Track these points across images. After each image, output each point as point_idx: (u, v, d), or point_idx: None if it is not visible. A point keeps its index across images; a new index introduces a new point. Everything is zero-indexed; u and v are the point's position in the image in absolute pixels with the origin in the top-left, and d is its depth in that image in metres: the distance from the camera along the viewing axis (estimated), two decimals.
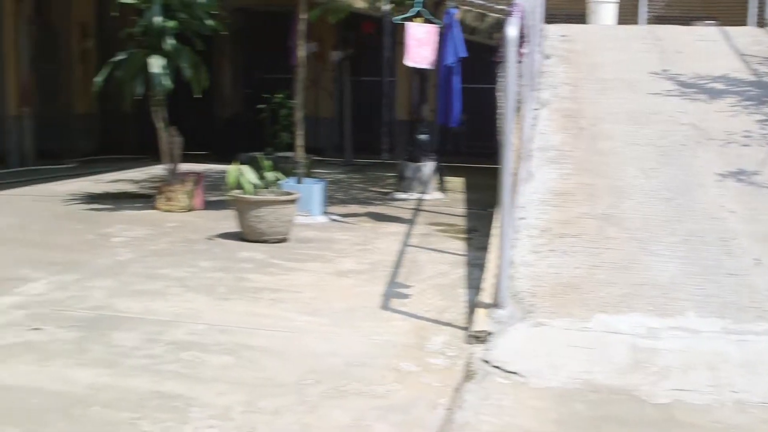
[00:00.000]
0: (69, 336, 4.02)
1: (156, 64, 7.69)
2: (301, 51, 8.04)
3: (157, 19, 7.68)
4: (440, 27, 9.34)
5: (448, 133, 12.52)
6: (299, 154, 7.91)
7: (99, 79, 7.93)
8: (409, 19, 9.34)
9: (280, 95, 10.06)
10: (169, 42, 7.76)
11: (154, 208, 8.05)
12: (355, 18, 11.74)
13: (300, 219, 6.99)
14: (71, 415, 3.06)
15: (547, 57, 8.84)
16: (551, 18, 10.07)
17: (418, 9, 9.29)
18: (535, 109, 7.38)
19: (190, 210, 7.95)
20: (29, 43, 12.77)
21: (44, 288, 4.96)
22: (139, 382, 3.42)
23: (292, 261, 5.84)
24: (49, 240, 6.56)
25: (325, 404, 3.26)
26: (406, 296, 4.95)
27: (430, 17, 9.37)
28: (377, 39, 12.63)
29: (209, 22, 8.02)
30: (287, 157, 8.42)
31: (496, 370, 3.70)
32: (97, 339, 3.98)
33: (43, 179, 10.73)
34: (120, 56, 7.95)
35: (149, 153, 11.77)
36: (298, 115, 8.04)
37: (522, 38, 4.94)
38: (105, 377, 3.47)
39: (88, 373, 3.52)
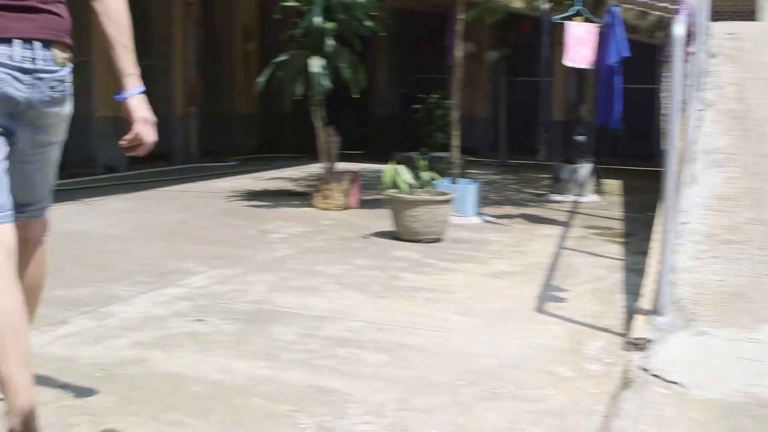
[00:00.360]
0: (230, 328, 4.16)
1: (316, 64, 7.85)
2: (458, 51, 8.04)
3: (318, 21, 7.84)
4: (600, 26, 9.15)
5: (604, 135, 12.25)
6: (454, 154, 7.91)
7: (261, 79, 8.17)
8: (569, 18, 9.19)
9: (436, 95, 10.09)
10: (329, 43, 7.91)
11: (311, 206, 8.23)
12: (512, 17, 11.64)
13: (454, 219, 6.99)
14: (232, 405, 3.16)
15: (713, 56, 8.51)
16: (717, 15, 9.69)
17: (578, 8, 9.12)
18: (700, 110, 7.11)
19: (345, 208, 8.09)
20: (196, 46, 13.28)
21: (207, 281, 5.15)
22: (296, 375, 3.49)
23: (447, 261, 5.85)
24: (211, 235, 6.80)
25: (479, 405, 3.23)
26: (561, 300, 4.87)
27: (590, 16, 9.19)
28: (534, 38, 12.50)
29: (368, 23, 8.13)
30: (442, 157, 8.44)
31: (656, 379, 3.58)
32: (256, 332, 4.10)
33: (206, 176, 11.15)
34: (281, 57, 8.17)
35: (307, 152, 12.06)
36: (454, 115, 8.04)
37: (689, 37, 4.77)
38: (264, 369, 3.56)
39: (248, 365, 3.61)
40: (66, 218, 7.26)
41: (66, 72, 2.68)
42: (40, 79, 2.58)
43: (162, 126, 12.27)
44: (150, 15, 12.72)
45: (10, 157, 2.61)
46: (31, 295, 2.81)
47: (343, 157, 8.78)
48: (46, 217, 2.90)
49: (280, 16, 8.23)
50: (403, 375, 3.53)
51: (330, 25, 7.89)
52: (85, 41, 11.32)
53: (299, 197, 9.05)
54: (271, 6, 9.63)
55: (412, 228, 6.43)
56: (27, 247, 2.79)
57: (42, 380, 3.35)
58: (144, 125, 2.92)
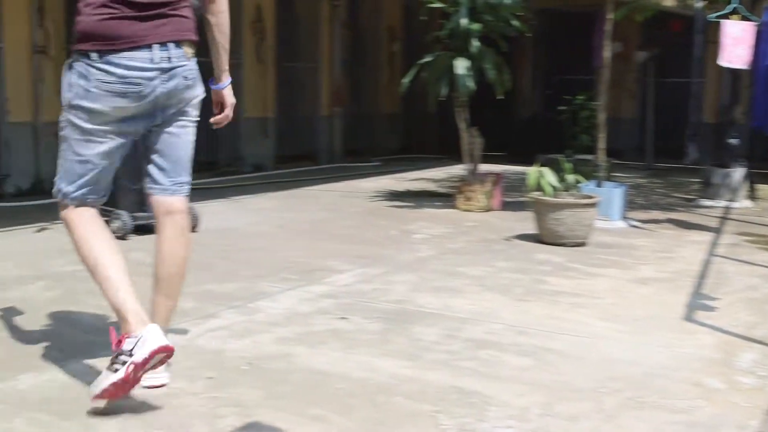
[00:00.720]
0: (373, 327, 4.20)
1: (461, 65, 7.85)
2: (606, 51, 7.86)
3: (464, 22, 7.83)
4: (757, 24, 8.78)
5: (758, 138, 11.75)
6: (600, 156, 7.75)
7: (406, 80, 8.22)
8: (725, 16, 8.85)
9: (582, 96, 9.92)
10: (474, 44, 7.89)
11: (453, 207, 8.23)
12: (661, 16, 11.31)
13: (599, 223, 6.85)
14: (375, 403, 3.19)
15: None
16: None
17: (735, 5, 8.77)
18: None
19: (488, 210, 8.05)
20: (342, 47, 13.47)
21: (351, 279, 5.22)
22: (438, 376, 3.50)
23: (591, 266, 5.74)
24: (355, 234, 6.90)
25: (623, 414, 3.16)
26: (711, 308, 4.69)
27: (748, 14, 8.83)
28: (685, 38, 12.11)
29: (514, 23, 8.07)
30: (587, 160, 8.29)
31: None
32: (399, 331, 4.12)
33: (349, 176, 11.31)
34: (426, 58, 8.20)
35: (449, 153, 12.06)
36: (601, 117, 7.87)
37: None
38: (406, 369, 3.58)
39: (391, 364, 3.64)
40: (216, 215, 7.51)
41: (194, 63, 3.21)
42: (176, 73, 3.11)
43: (308, 126, 12.61)
44: (298, 17, 13.00)
45: (153, 141, 3.22)
46: (179, 268, 3.28)
47: (486, 159, 8.74)
48: (186, 195, 3.33)
49: (425, 17, 8.26)
50: (546, 379, 3.48)
51: (475, 26, 7.87)
52: (236, 44, 11.67)
53: (441, 198, 9.06)
54: (415, 7, 9.68)
55: (556, 231, 6.34)
56: (169, 220, 3.26)
57: (192, 371, 3.48)
58: (231, 109, 3.58)
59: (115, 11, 2.99)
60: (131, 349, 2.92)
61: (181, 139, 3.28)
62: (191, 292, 4.78)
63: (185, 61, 3.14)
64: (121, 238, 6.15)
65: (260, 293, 4.83)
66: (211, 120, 3.50)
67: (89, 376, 3.39)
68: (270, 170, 11.98)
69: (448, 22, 8.05)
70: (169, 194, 3.25)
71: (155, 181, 3.26)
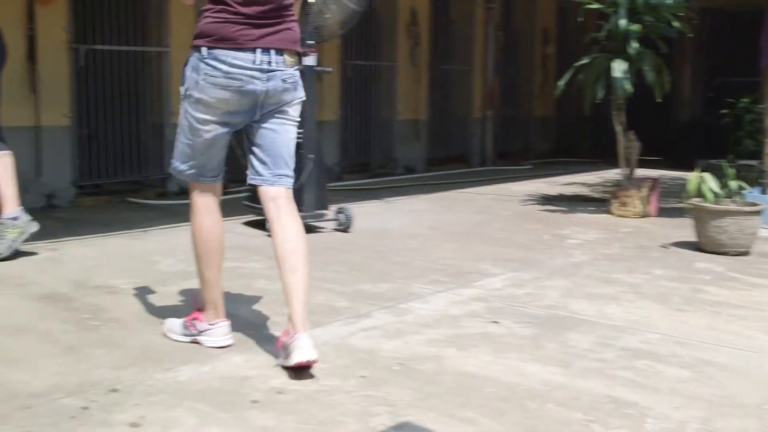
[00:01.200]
0: (524, 332, 4.16)
1: (618, 68, 7.66)
2: None
3: (622, 23, 7.65)
4: None
5: None
6: (765, 162, 7.41)
7: (561, 83, 8.10)
8: None
9: (746, 99, 9.52)
10: (633, 45, 7.69)
11: (607, 212, 8.06)
12: None
13: (763, 232, 6.55)
14: (526, 408, 3.15)
15: None
16: None
17: None
18: None
19: (644, 216, 7.84)
20: (495, 49, 13.42)
21: (502, 283, 5.18)
22: (591, 384, 3.43)
23: (755, 276, 5.49)
24: (506, 238, 6.85)
25: None
26: None
27: None
28: None
29: (675, 24, 7.83)
30: (751, 166, 7.95)
31: None
32: (550, 337, 4.07)
33: (501, 179, 11.24)
34: (583, 60, 8.05)
35: (602, 157, 11.82)
36: (767, 121, 7.53)
37: None
38: (558, 376, 3.52)
39: (542, 370, 3.59)
40: (370, 216, 7.61)
41: (294, 71, 3.58)
42: (274, 76, 3.49)
43: (460, 128, 12.63)
44: (452, 20, 13.03)
45: (256, 137, 3.62)
46: (298, 245, 3.62)
47: (642, 163, 8.50)
48: (289, 186, 3.68)
49: (582, 19, 8.11)
50: (706, 393, 3.36)
51: (635, 27, 7.67)
52: (391, 48, 11.81)
53: (595, 203, 8.89)
54: (571, 9, 9.53)
55: (717, 239, 6.10)
56: (273, 204, 3.64)
57: (345, 370, 3.53)
58: None
59: (231, 17, 3.43)
60: (202, 331, 3.78)
61: (280, 135, 3.63)
62: (345, 292, 4.87)
63: (284, 67, 3.52)
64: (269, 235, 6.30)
65: (412, 294, 4.86)
66: None
67: (247, 369, 3.51)
68: (422, 172, 12.05)
69: (606, 24, 7.88)
70: (270, 184, 3.63)
71: (257, 173, 3.65)
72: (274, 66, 3.48)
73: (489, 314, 4.46)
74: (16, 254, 5.61)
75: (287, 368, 3.44)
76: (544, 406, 3.19)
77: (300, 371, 3.41)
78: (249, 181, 3.70)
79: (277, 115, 3.60)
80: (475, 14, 13.09)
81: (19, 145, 7.08)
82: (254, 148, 3.64)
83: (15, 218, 5.62)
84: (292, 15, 3.61)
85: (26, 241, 5.68)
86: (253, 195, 4.05)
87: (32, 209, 6.34)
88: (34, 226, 5.70)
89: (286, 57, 3.54)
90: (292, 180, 3.69)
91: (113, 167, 8.90)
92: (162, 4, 8.88)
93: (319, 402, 3.17)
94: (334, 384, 3.36)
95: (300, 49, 3.66)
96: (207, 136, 3.55)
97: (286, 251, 3.55)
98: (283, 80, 3.52)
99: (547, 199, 9.27)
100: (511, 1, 14.17)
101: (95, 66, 8.65)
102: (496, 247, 6.40)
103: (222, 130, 3.56)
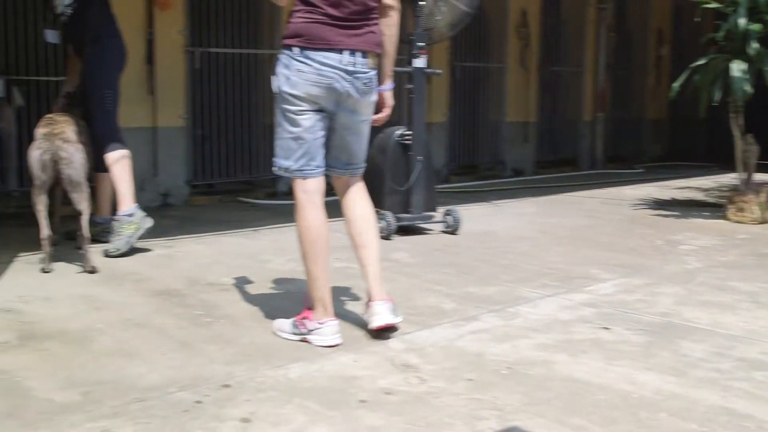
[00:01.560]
0: (636, 339, 4.07)
1: (737, 68, 7.43)
2: None
3: (742, 22, 7.41)
4: None
5: None
6: None
7: (676, 84, 7.90)
8: None
9: None
10: (753, 46, 7.45)
11: (723, 218, 7.82)
12: None
13: None
14: (638, 418, 3.08)
15: None
16: None
17: None
18: None
19: (762, 222, 7.58)
20: (607, 50, 13.19)
21: (612, 289, 5.09)
22: (706, 394, 3.33)
23: None
24: (616, 242, 6.71)
25: None
26: None
27: None
28: None
29: None
30: None
31: None
32: (663, 345, 3.97)
33: (611, 183, 11.05)
34: (699, 61, 7.83)
35: (717, 160, 11.49)
36: None
37: None
38: (671, 385, 3.43)
39: (654, 378, 3.51)
40: (477, 218, 7.58)
41: (374, 73, 3.82)
42: (357, 78, 3.73)
43: (570, 131, 12.44)
44: (563, 21, 12.87)
45: (332, 132, 3.86)
46: (369, 222, 4.01)
47: (761, 168, 8.22)
48: (360, 174, 4.04)
49: (699, 19, 7.90)
50: None
51: (755, 26, 7.42)
52: (500, 50, 11.74)
53: (710, 208, 8.64)
54: (687, 9, 9.29)
55: None
56: (346, 188, 4.01)
57: (452, 372, 3.52)
58: (389, 110, 4.12)
59: (320, 18, 3.65)
60: (311, 330, 3.83)
61: (355, 133, 3.92)
62: (452, 294, 4.86)
63: (366, 69, 3.76)
64: (385, 238, 6.34)
65: (520, 298, 4.82)
66: (372, 117, 4.02)
67: (355, 369, 3.53)
68: (530, 175, 11.95)
69: (724, 23, 7.65)
70: (342, 173, 3.98)
71: (332, 165, 3.94)
72: (358, 68, 3.73)
73: (599, 320, 4.38)
74: (133, 250, 5.80)
75: (369, 330, 3.97)
76: (657, 415, 3.11)
77: (380, 332, 3.94)
78: (323, 173, 3.89)
79: (352, 117, 3.85)
80: (586, 15, 12.89)
81: (137, 145, 7.33)
82: (330, 143, 3.89)
83: (130, 215, 5.81)
84: (377, 18, 3.83)
85: (142, 237, 5.86)
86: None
87: (148, 207, 6.55)
88: (149, 222, 5.88)
89: (369, 59, 3.77)
90: (363, 167, 4.04)
91: (225, 167, 9.11)
92: (275, 8, 9.03)
93: (427, 403, 3.17)
94: (442, 386, 3.35)
95: (380, 51, 3.87)
96: (306, 123, 3.75)
97: (360, 230, 3.95)
98: (364, 82, 3.78)
99: (659, 204, 9.06)
100: (624, 1, 13.91)
101: (209, 68, 8.87)
102: (605, 251, 6.28)
103: (318, 116, 3.77)
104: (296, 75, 3.67)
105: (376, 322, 3.89)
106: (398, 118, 6.51)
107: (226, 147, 9.11)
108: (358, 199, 4.00)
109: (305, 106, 3.72)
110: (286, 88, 3.71)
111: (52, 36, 6.37)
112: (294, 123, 3.75)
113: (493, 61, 11.76)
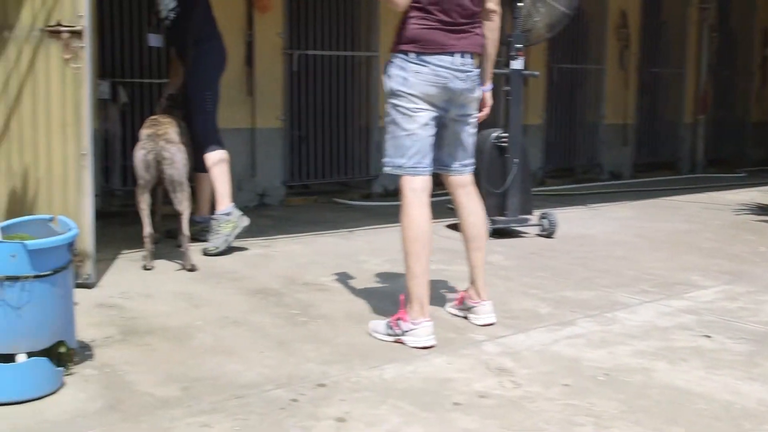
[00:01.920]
0: (738, 348, 3.96)
1: None
2: None
3: None
4: None
5: None
6: None
7: None
8: None
9: None
10: None
11: None
12: None
13: None
14: (741, 429, 3.00)
15: None
16: None
17: None
18: None
19: None
20: (709, 51, 12.87)
21: (713, 296, 4.96)
22: None
23: None
24: (718, 248, 6.54)
25: None
26: None
27: None
28: None
29: None
30: None
31: None
32: (767, 355, 3.85)
33: (712, 187, 10.76)
34: None
35: None
36: None
37: None
38: None
39: (759, 389, 3.41)
40: (573, 222, 7.48)
41: (478, 71, 4.06)
42: (467, 76, 3.96)
43: (669, 134, 12.17)
44: (663, 22, 12.60)
45: (444, 129, 4.06)
46: (481, 228, 4.27)
47: None
48: (470, 172, 4.24)
49: None
50: None
51: None
52: (600, 51, 11.56)
53: None
54: None
55: None
56: (462, 191, 4.22)
57: (548, 377, 3.49)
58: (488, 109, 4.34)
59: (433, 24, 3.86)
60: (406, 331, 3.88)
61: (464, 130, 4.12)
62: (548, 298, 4.81)
63: (472, 69, 3.99)
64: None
65: (617, 303, 4.74)
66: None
67: (449, 371, 3.53)
68: (628, 178, 11.73)
69: None
70: (457, 173, 4.18)
71: (445, 164, 4.16)
72: (467, 68, 3.96)
73: (700, 327, 4.28)
74: (231, 249, 5.91)
75: (476, 324, 4.23)
76: (761, 427, 3.02)
77: (485, 326, 4.20)
78: (435, 171, 4.07)
79: (462, 112, 4.06)
80: (688, 15, 12.59)
81: (236, 146, 7.46)
82: (442, 142, 4.09)
83: (228, 214, 5.92)
84: (480, 22, 4.05)
85: (239, 236, 5.97)
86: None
87: (245, 207, 6.67)
88: (246, 221, 5.98)
89: (474, 59, 4.01)
90: (474, 165, 4.26)
91: (321, 168, 9.20)
92: (372, 11, 9.09)
93: (522, 408, 3.14)
94: (537, 391, 3.32)
95: (482, 52, 4.08)
96: (422, 120, 3.92)
97: (474, 234, 4.22)
98: (472, 80, 4.00)
99: (763, 209, 8.79)
100: (727, 0, 13.53)
101: (307, 70, 8.97)
102: (706, 257, 6.13)
103: (431, 114, 3.94)
104: (413, 76, 3.87)
105: (486, 319, 4.23)
106: (495, 120, 6.46)
107: (322, 148, 9.20)
108: (472, 205, 4.21)
109: (421, 105, 3.90)
110: (403, 88, 3.89)
111: (154, 40, 6.53)
112: (409, 121, 3.91)
113: (591, 63, 11.58)
